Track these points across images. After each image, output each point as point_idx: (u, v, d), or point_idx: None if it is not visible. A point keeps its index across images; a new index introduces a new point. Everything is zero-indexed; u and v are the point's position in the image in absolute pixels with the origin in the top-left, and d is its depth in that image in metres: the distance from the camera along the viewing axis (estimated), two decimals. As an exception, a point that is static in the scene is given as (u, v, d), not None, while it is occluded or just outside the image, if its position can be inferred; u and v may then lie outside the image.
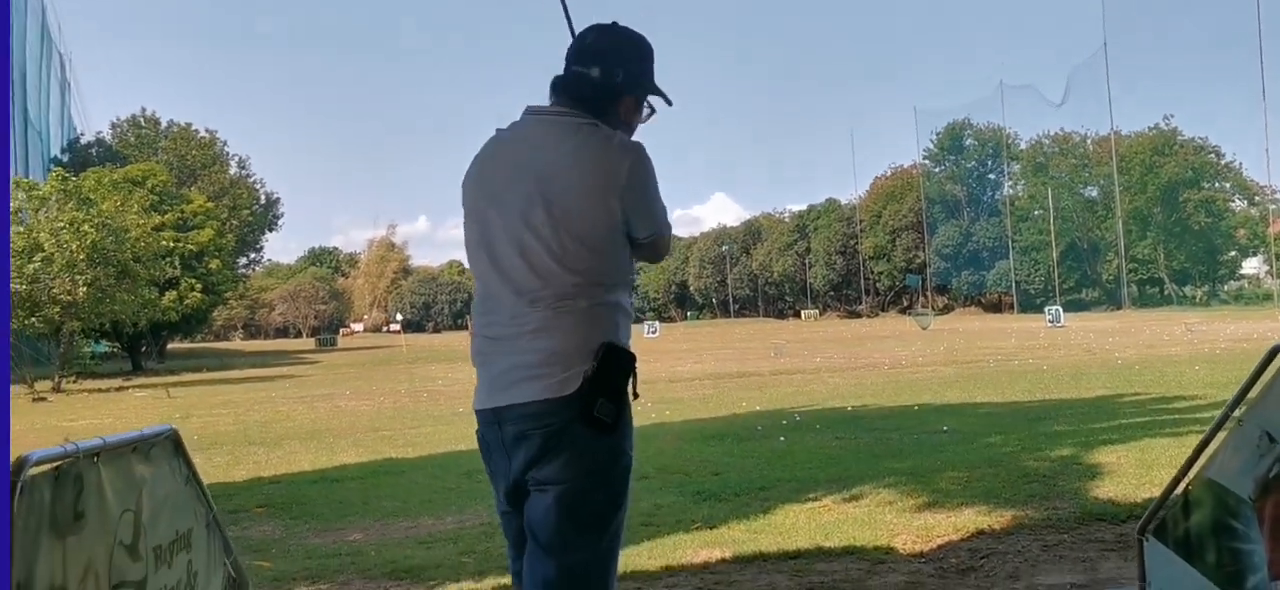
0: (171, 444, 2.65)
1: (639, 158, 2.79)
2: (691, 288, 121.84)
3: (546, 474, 2.71)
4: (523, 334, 2.72)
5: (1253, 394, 3.30)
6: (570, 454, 2.67)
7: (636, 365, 2.77)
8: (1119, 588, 4.69)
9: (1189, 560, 3.52)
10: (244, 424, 17.97)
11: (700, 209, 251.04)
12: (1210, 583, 3.42)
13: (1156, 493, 3.77)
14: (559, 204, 2.72)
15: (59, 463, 1.95)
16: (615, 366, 2.68)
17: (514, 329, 2.74)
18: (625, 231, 2.78)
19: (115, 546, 2.22)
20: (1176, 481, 3.61)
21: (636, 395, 2.80)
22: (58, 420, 19.35)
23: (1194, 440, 3.61)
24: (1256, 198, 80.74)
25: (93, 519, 2.11)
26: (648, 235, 2.82)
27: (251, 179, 70.29)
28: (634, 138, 2.95)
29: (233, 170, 68.28)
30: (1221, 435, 3.46)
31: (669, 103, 3.07)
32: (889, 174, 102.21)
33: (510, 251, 2.77)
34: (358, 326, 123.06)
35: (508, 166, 2.84)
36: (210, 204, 53.66)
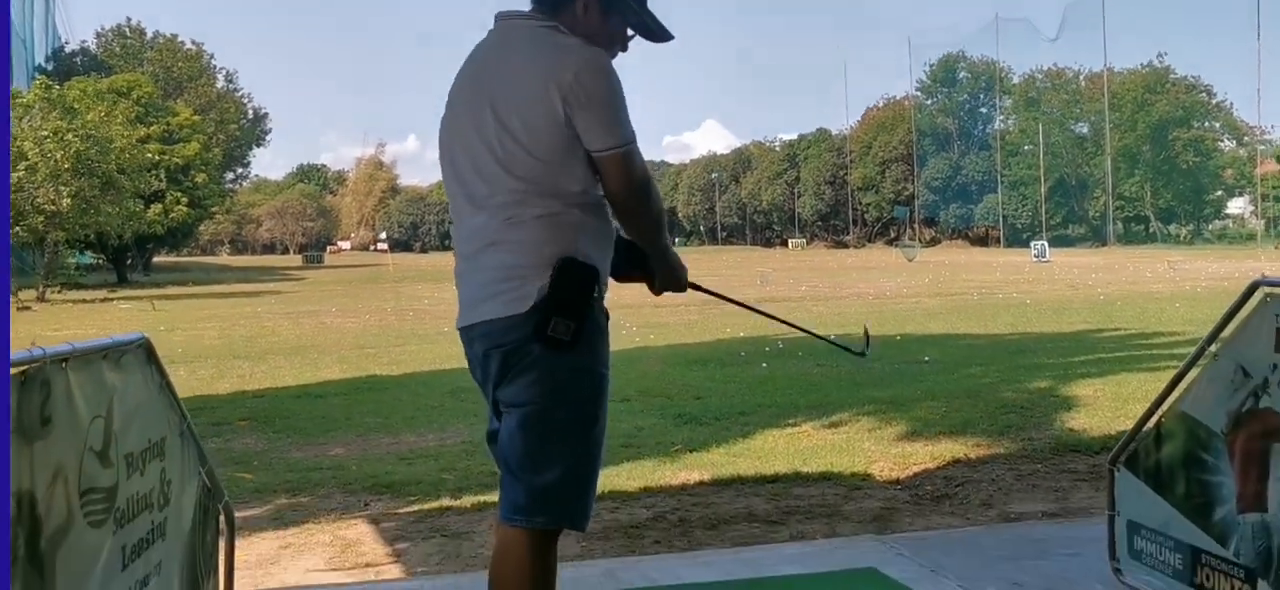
0: (144, 352, 2.63)
1: (591, 62, 2.59)
2: (680, 214, 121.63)
3: (509, 395, 2.67)
4: (483, 249, 2.68)
5: (1229, 330, 3.32)
6: (531, 374, 2.60)
7: (603, 281, 2.68)
8: (1089, 517, 4.75)
9: (1159, 491, 3.56)
10: (229, 338, 17.98)
11: (691, 135, 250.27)
12: (1178, 513, 3.46)
13: (1131, 425, 3.80)
14: (504, 107, 2.63)
15: (26, 367, 1.94)
16: (571, 282, 2.56)
17: (476, 245, 2.70)
18: (578, 141, 2.60)
19: (85, 452, 2.22)
20: (1150, 414, 3.64)
21: (607, 314, 2.72)
22: (41, 329, 19.30)
23: (1170, 375, 3.64)
24: (1245, 138, 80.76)
25: (61, 424, 2.10)
26: (600, 149, 2.59)
27: (239, 93, 69.67)
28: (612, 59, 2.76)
29: (220, 84, 67.60)
30: (1196, 369, 3.48)
31: (653, 33, 2.88)
32: (881, 105, 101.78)
33: (464, 161, 2.72)
34: (345, 244, 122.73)
35: (469, 79, 2.78)
36: (196, 117, 53.15)
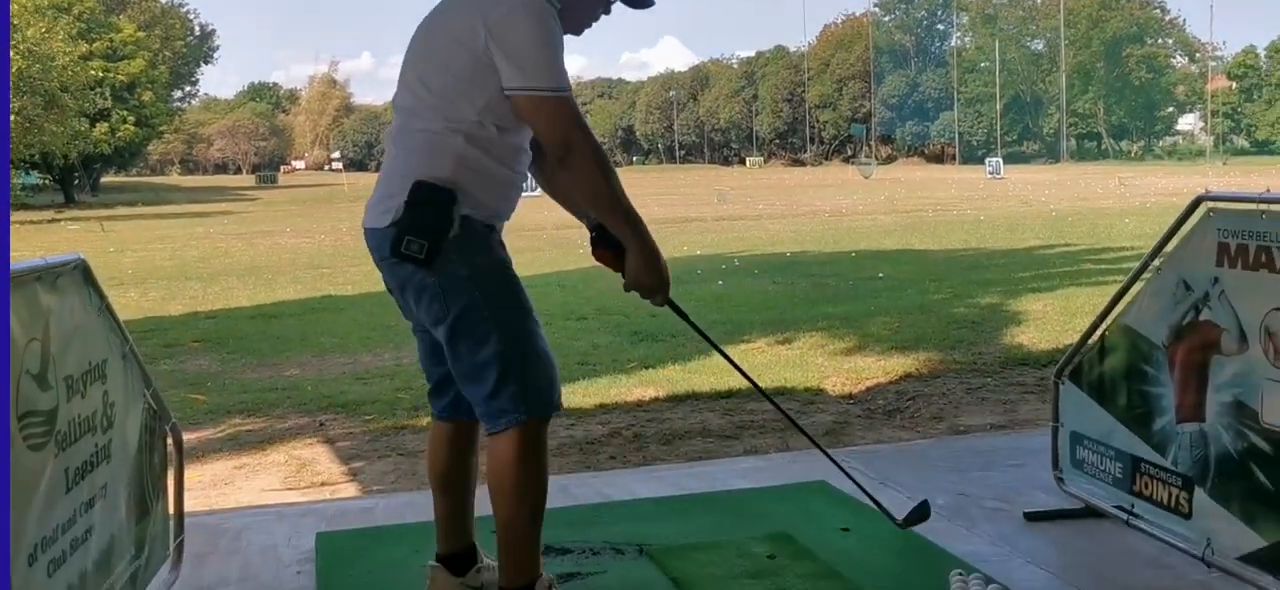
0: (80, 273, 2.58)
1: (527, 5, 2.59)
2: (638, 132, 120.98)
3: (421, 316, 2.77)
4: (389, 153, 2.81)
5: (1172, 245, 3.36)
6: (426, 294, 2.69)
7: (480, 210, 2.68)
8: (1035, 429, 4.84)
9: (1101, 403, 3.63)
10: (181, 259, 17.75)
11: (649, 53, 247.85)
12: (1119, 424, 3.54)
13: (1078, 339, 3.86)
14: (444, 29, 2.72)
15: (-46, 289, 1.90)
16: (423, 203, 2.61)
17: (388, 148, 2.83)
18: (489, 73, 2.61)
19: (22, 375, 2.18)
20: (1094, 328, 3.69)
21: (490, 227, 2.75)
22: (-14, 253, 18.94)
23: (1117, 289, 3.69)
24: (1197, 55, 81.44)
25: (-7, 346, 2.06)
26: (516, 88, 2.58)
27: (184, 8, 68.06)
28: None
29: (164, -1, 65.88)
30: (1140, 284, 3.53)
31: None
32: (840, 22, 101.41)
33: (409, 69, 2.81)
34: (299, 164, 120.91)
35: (424, 22, 2.85)
36: (141, 33, 51.90)
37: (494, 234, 2.77)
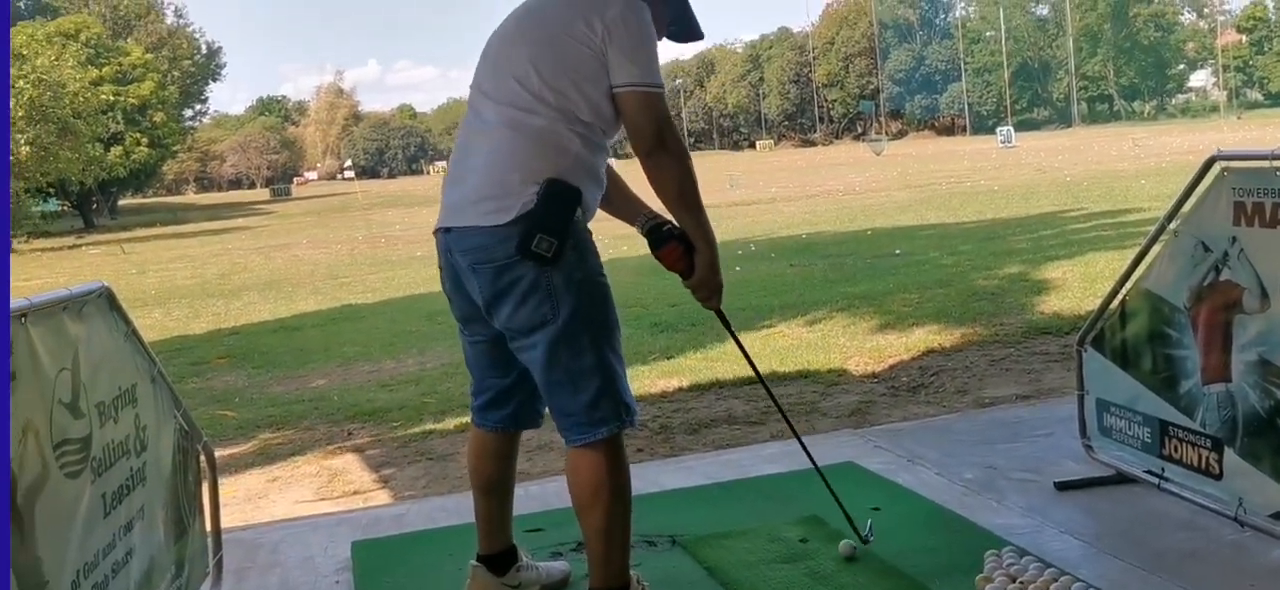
0: (105, 300, 2.61)
1: (633, 5, 2.68)
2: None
3: (520, 322, 2.67)
4: (481, 145, 2.72)
5: (1188, 206, 3.35)
6: (535, 296, 2.63)
7: (586, 209, 2.70)
8: (1061, 397, 4.83)
9: (1125, 368, 3.62)
10: (202, 277, 17.85)
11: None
12: (1145, 388, 3.53)
13: (1100, 305, 3.85)
14: (550, 23, 2.71)
15: (-16, 325, 1.93)
16: (555, 199, 2.60)
17: (478, 139, 2.74)
18: (603, 74, 2.66)
19: (55, 405, 2.21)
20: (1114, 294, 3.69)
21: (589, 232, 2.73)
22: (13, 281, 19.07)
23: (1137, 252, 3.67)
24: (1205, 10, 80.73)
25: (25, 378, 2.09)
26: (624, 84, 2.65)
27: (190, 28, 68.32)
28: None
29: (170, 20, 66.22)
30: (1158, 247, 3.52)
31: (687, 31, 2.98)
32: (841, 1, 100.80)
33: (502, 58, 2.78)
34: (312, 175, 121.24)
35: (520, 13, 2.84)
36: (149, 55, 52.12)
37: (590, 234, 2.76)
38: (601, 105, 2.68)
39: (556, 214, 2.59)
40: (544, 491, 4.10)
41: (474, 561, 3.05)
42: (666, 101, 2.74)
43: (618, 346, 2.76)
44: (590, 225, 2.76)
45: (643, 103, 2.67)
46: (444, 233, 2.76)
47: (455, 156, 2.82)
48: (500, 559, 3.04)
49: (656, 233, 2.85)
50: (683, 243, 2.81)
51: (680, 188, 2.73)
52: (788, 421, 3.36)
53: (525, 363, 2.75)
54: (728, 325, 3.10)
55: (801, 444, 3.33)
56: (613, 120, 2.72)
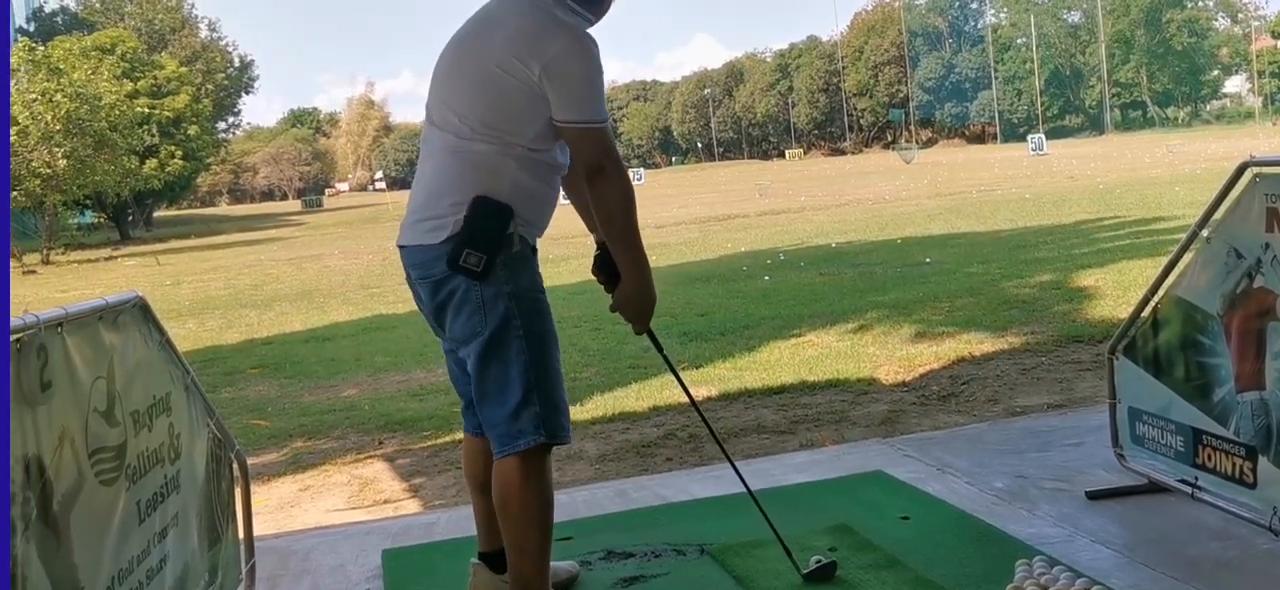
0: (139, 311, 2.65)
1: (576, 43, 2.74)
2: (675, 132, 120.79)
3: (456, 332, 2.81)
4: (430, 169, 2.86)
5: (1220, 213, 3.32)
6: (466, 307, 2.75)
7: (527, 226, 2.79)
8: (1094, 406, 4.79)
9: (1158, 376, 3.59)
10: (235, 287, 18.01)
11: (682, 52, 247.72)
12: (1178, 397, 3.50)
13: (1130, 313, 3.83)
14: (492, 54, 2.78)
15: (21, 335, 1.96)
16: (482, 216, 2.70)
17: (427, 163, 2.89)
18: (542, 104, 2.73)
19: (90, 413, 2.25)
20: (1146, 301, 3.66)
21: (533, 249, 2.84)
22: (47, 291, 19.36)
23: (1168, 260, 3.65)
24: (1239, 15, 79.94)
25: (62, 388, 2.13)
26: (566, 120, 2.74)
27: (223, 41, 68.90)
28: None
29: (203, 34, 66.85)
30: (1190, 254, 3.49)
31: None
32: (870, 7, 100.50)
33: (447, 85, 2.88)
34: (343, 186, 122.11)
35: (475, 23, 2.91)
36: (183, 68, 52.64)
37: (535, 257, 2.88)
38: (543, 130, 2.79)
39: (484, 230, 2.71)
40: (572, 501, 4.12)
41: (474, 560, 3.10)
42: (608, 132, 2.82)
43: (551, 363, 2.82)
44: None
45: (581, 135, 2.78)
46: (400, 250, 2.92)
47: (418, 169, 2.96)
48: (501, 556, 3.06)
49: (600, 254, 3.00)
50: (610, 269, 2.95)
51: (609, 215, 2.84)
52: (718, 442, 3.53)
53: (468, 368, 2.86)
54: (658, 346, 3.16)
55: (734, 468, 3.41)
56: (559, 142, 2.83)
